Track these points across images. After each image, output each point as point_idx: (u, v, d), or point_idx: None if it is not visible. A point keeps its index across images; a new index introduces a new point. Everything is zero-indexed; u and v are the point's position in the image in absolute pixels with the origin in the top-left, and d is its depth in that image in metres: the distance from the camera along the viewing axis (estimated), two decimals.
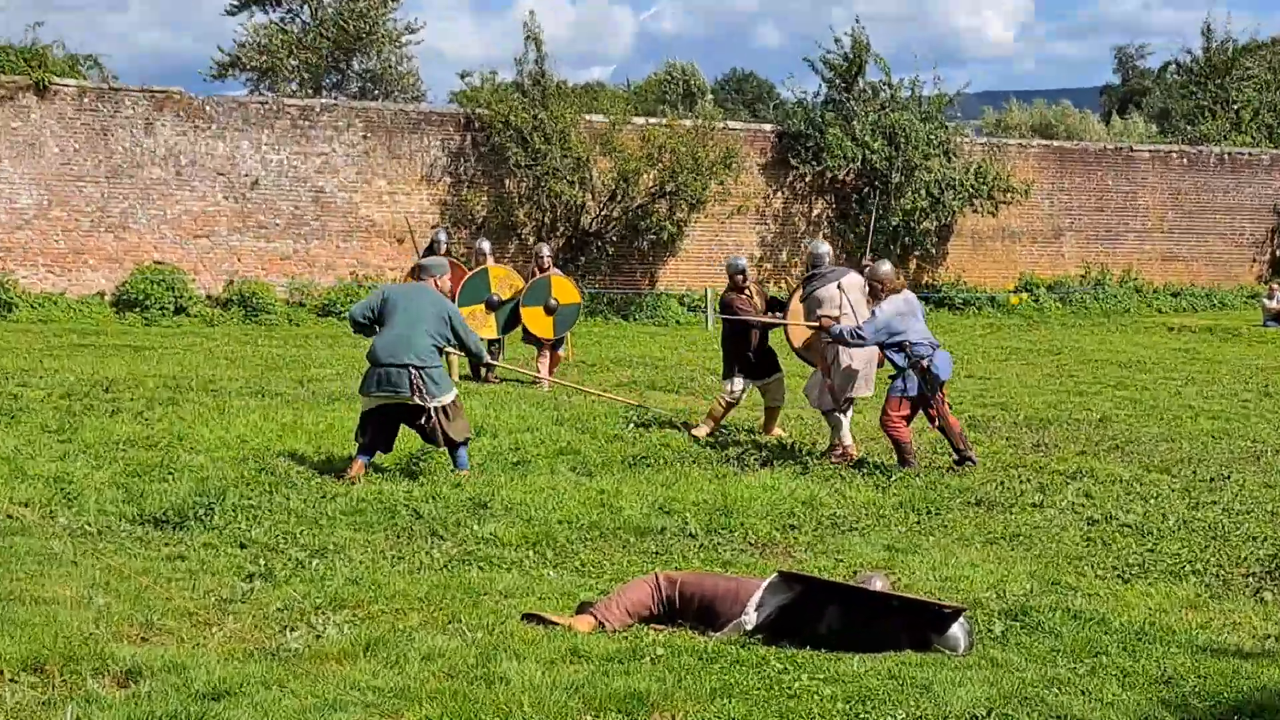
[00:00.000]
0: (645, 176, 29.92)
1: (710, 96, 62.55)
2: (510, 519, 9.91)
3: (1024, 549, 9.70)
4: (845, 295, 13.22)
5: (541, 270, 18.62)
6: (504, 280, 18.54)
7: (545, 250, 19.04)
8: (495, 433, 13.55)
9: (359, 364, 19.49)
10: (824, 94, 33.21)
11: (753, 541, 9.71)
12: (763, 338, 14.36)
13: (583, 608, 7.42)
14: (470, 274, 18.56)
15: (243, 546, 8.92)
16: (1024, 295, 33.67)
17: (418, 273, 12.36)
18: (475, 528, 9.60)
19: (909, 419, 12.56)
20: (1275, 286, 31.69)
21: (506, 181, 29.60)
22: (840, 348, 13.08)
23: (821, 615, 7.08)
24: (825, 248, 13.77)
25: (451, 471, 11.41)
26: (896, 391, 12.46)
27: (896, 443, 12.51)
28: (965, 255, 34.42)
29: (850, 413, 13.41)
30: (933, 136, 32.43)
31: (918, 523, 10.47)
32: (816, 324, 13.15)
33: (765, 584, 7.36)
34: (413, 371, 11.27)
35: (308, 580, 8.06)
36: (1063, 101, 67.62)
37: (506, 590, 7.98)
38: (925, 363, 12.33)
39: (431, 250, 19.76)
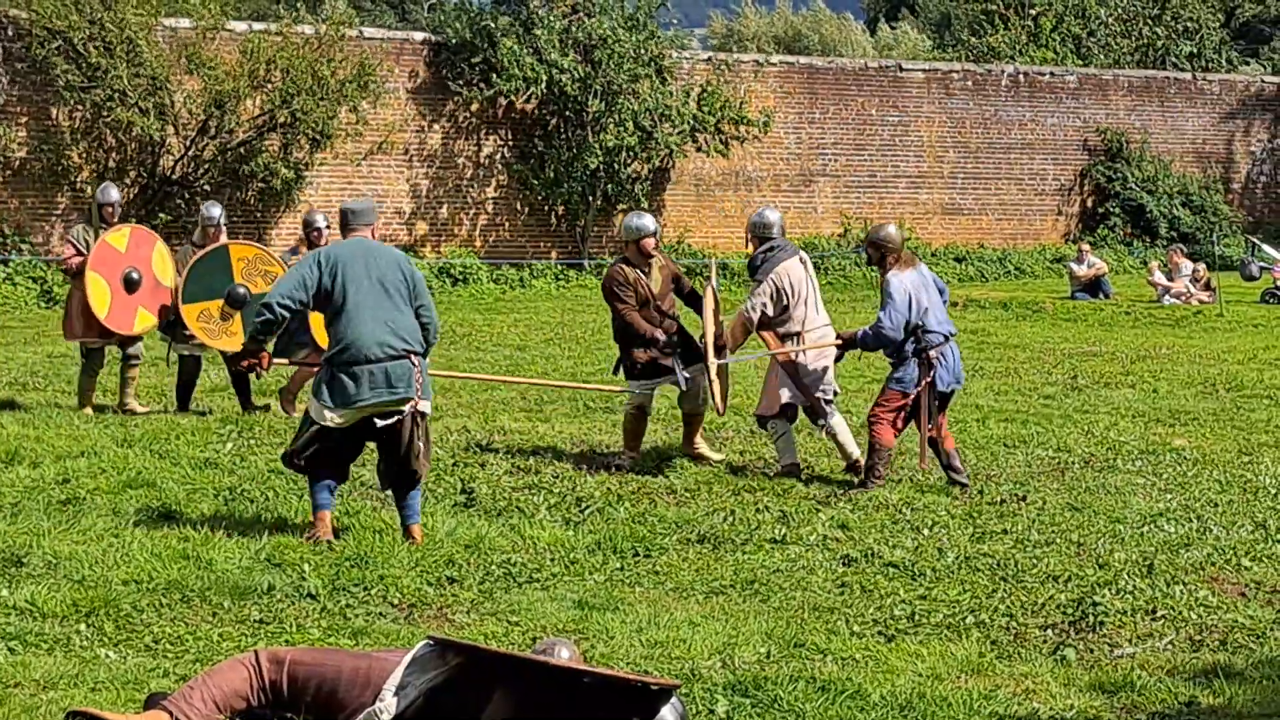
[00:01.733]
0: (249, 102, 29.77)
1: None
2: (54, 580, 9.68)
3: (759, 600, 9.87)
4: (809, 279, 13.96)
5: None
6: (254, 265, 16.13)
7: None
8: (36, 460, 13.30)
9: None
10: None
11: (395, 602, 9.66)
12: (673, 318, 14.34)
13: (153, 701, 7.29)
14: (200, 255, 15.99)
15: None
16: None
17: (347, 221, 11.16)
18: (5, 593, 9.35)
19: (904, 422, 13.28)
20: (1086, 247, 33.03)
21: (54, 110, 29.20)
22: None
23: (486, 699, 7.09)
24: (775, 215, 14.29)
25: (405, 540, 10.87)
26: (895, 384, 13.23)
27: (874, 445, 13.15)
28: (688, 208, 35.00)
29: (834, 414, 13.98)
30: (642, 50, 32.86)
31: (620, 569, 10.58)
32: (838, 343, 13.71)
33: (409, 658, 7.32)
34: (414, 361, 10.89)
35: None
36: (815, 4, 69.25)
37: (46, 679, 7.82)
38: (933, 354, 13.09)
39: (106, 219, 16.27)
